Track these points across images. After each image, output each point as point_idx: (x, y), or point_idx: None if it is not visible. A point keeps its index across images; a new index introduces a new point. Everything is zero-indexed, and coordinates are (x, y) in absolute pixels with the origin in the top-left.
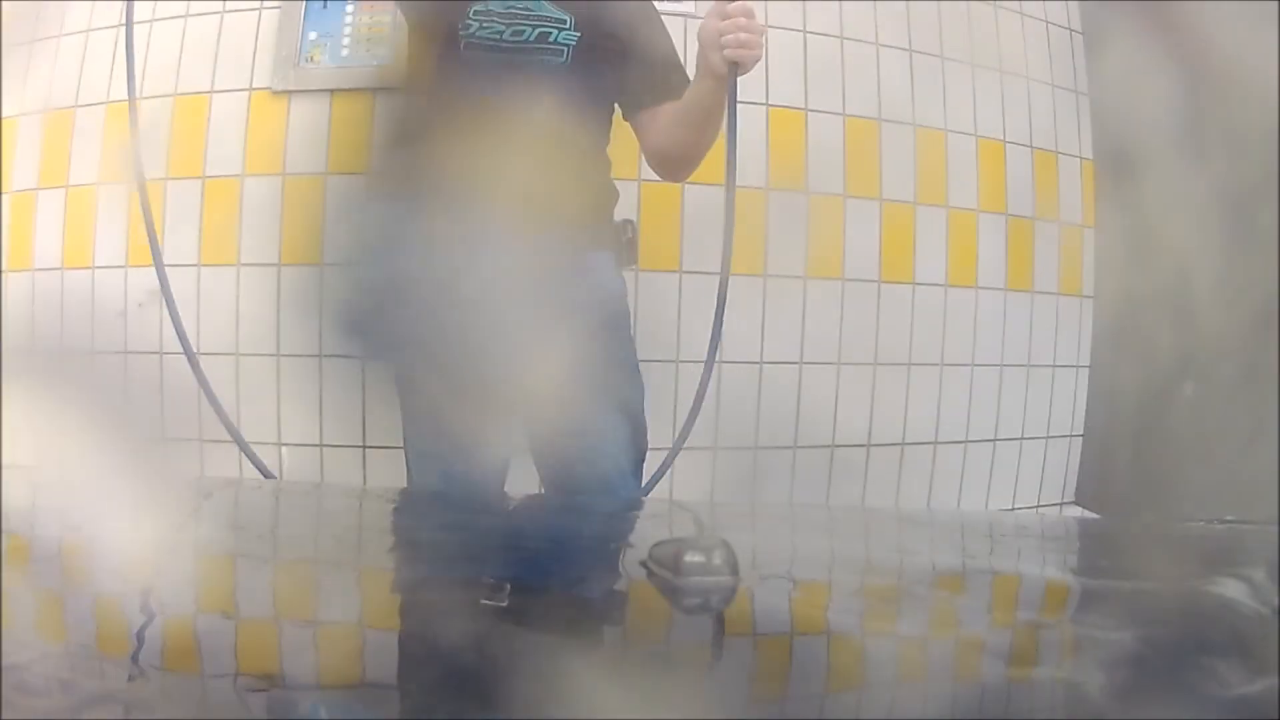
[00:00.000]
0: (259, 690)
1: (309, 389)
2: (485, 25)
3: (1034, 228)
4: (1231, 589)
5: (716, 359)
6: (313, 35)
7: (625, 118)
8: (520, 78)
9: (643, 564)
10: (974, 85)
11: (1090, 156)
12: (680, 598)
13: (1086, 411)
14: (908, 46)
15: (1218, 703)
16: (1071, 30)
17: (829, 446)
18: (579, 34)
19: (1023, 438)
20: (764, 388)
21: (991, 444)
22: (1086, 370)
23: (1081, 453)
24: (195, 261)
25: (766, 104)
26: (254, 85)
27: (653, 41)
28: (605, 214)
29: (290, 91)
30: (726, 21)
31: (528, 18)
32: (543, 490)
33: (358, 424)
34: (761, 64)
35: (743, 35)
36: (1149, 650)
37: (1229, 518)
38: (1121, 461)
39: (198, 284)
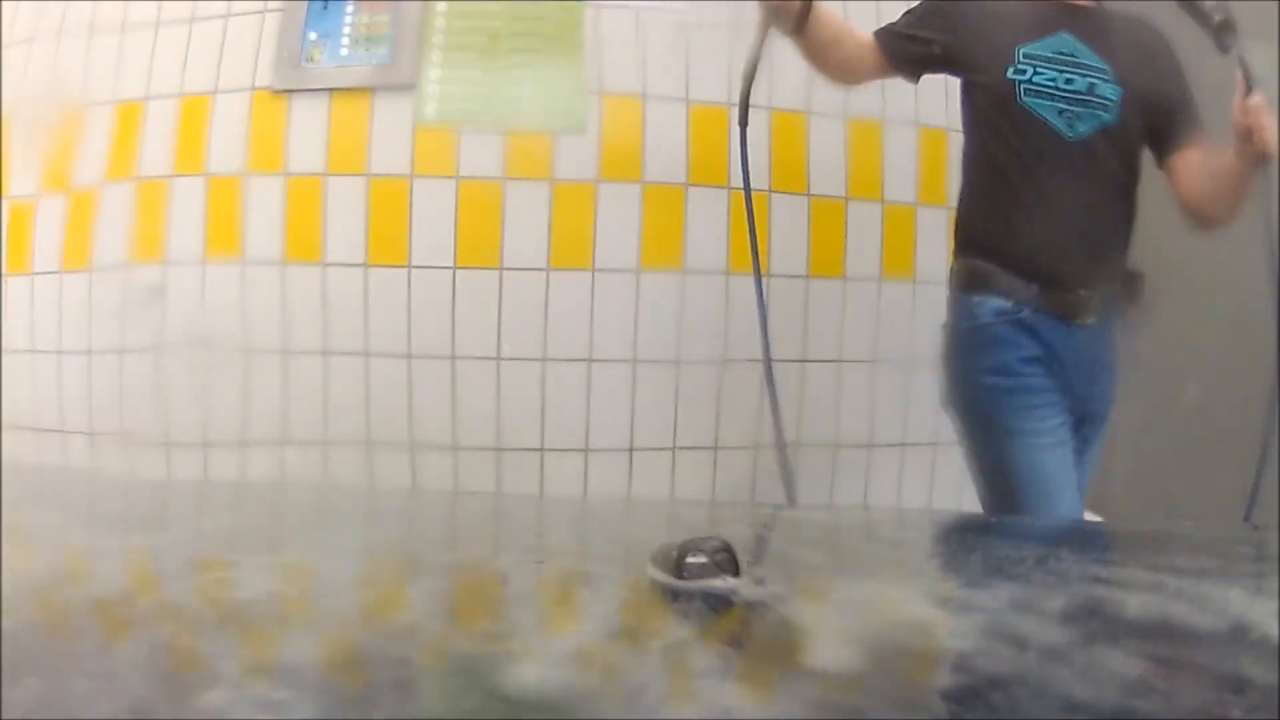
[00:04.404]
0: None
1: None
2: (1040, 71)
3: None
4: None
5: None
6: (313, 35)
7: (1158, 164)
8: (1077, 130)
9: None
10: None
11: None
12: (681, 600)
13: None
14: None
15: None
16: None
17: (831, 446)
18: (1121, 87)
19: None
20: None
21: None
22: None
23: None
24: (199, 258)
25: (769, 107)
26: (255, 85)
27: (1178, 83)
28: (1123, 261)
29: (290, 91)
30: (1250, 118)
31: (1077, 65)
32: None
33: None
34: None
35: (1265, 133)
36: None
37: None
38: (1122, 464)
39: (202, 280)
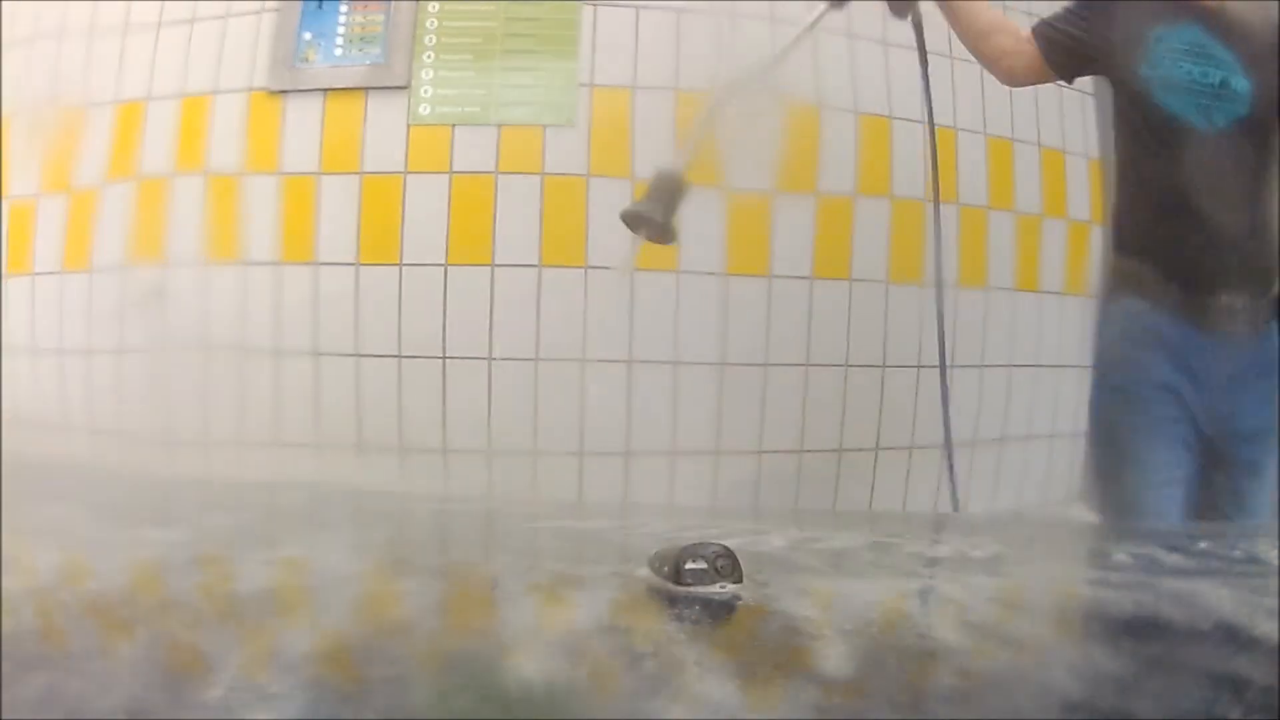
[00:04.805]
0: None
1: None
2: (1177, 64)
3: (1041, 226)
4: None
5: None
6: (308, 35)
7: None
8: (1214, 123)
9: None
10: (982, 84)
11: (1097, 155)
12: (680, 606)
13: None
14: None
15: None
16: None
17: (836, 451)
18: (1249, 82)
19: (1028, 437)
20: (768, 391)
21: (998, 444)
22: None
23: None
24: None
25: None
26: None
27: None
28: (1267, 264)
29: (285, 91)
30: None
31: (1209, 58)
32: None
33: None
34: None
35: None
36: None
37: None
38: None
39: (202, 281)
